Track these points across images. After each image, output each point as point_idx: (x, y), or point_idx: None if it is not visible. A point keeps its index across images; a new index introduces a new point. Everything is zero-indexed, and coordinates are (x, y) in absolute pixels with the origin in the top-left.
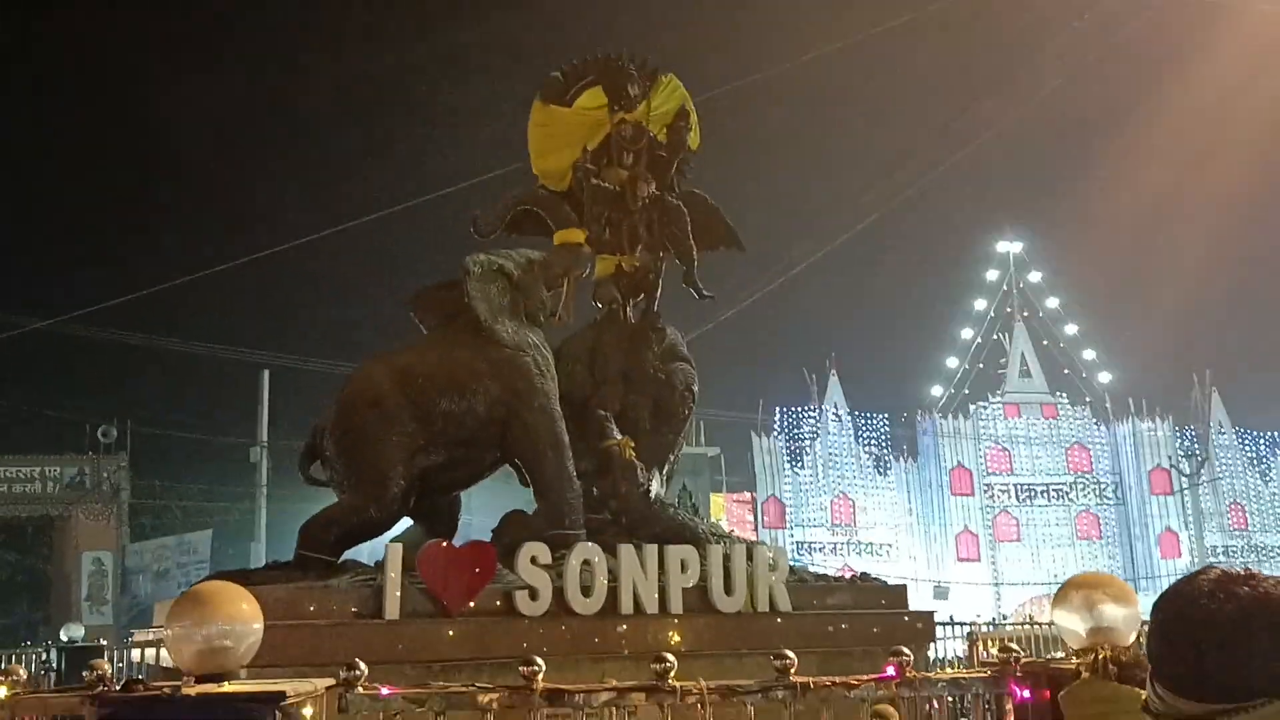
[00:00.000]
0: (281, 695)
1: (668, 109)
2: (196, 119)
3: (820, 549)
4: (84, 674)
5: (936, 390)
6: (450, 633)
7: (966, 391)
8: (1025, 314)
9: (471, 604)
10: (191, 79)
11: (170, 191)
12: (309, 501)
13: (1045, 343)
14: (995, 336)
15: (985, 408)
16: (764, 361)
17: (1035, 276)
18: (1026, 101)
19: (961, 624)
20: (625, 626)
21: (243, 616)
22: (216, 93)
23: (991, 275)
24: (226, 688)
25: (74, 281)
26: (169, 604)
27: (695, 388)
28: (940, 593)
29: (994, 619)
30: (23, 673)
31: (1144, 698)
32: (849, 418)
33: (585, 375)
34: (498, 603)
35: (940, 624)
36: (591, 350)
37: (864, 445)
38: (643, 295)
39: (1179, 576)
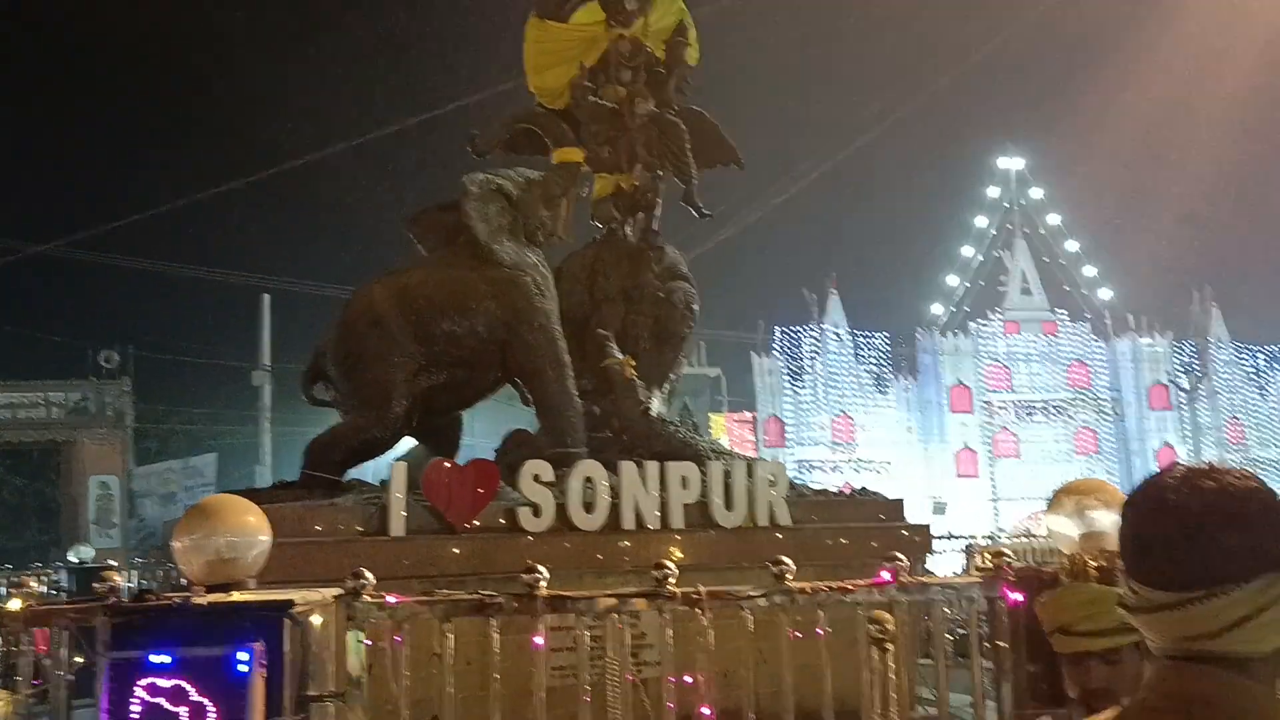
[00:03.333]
0: (290, 603)
1: (666, 24)
2: (193, 37)
3: (820, 467)
4: (95, 586)
5: (937, 308)
6: (455, 549)
7: (967, 309)
8: (1026, 231)
9: (475, 521)
10: None
11: (172, 113)
12: (312, 424)
13: (1046, 259)
14: (996, 254)
15: (985, 325)
16: (764, 281)
17: (1036, 193)
18: (1027, 14)
19: (959, 538)
20: (627, 542)
21: (250, 528)
22: (216, 10)
23: (993, 192)
24: (236, 596)
25: (74, 205)
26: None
27: (695, 306)
28: (939, 509)
29: (991, 533)
30: (35, 585)
31: (1120, 594)
32: (849, 336)
33: (585, 294)
34: (501, 520)
35: (938, 538)
36: (591, 269)
37: (864, 364)
38: (642, 214)
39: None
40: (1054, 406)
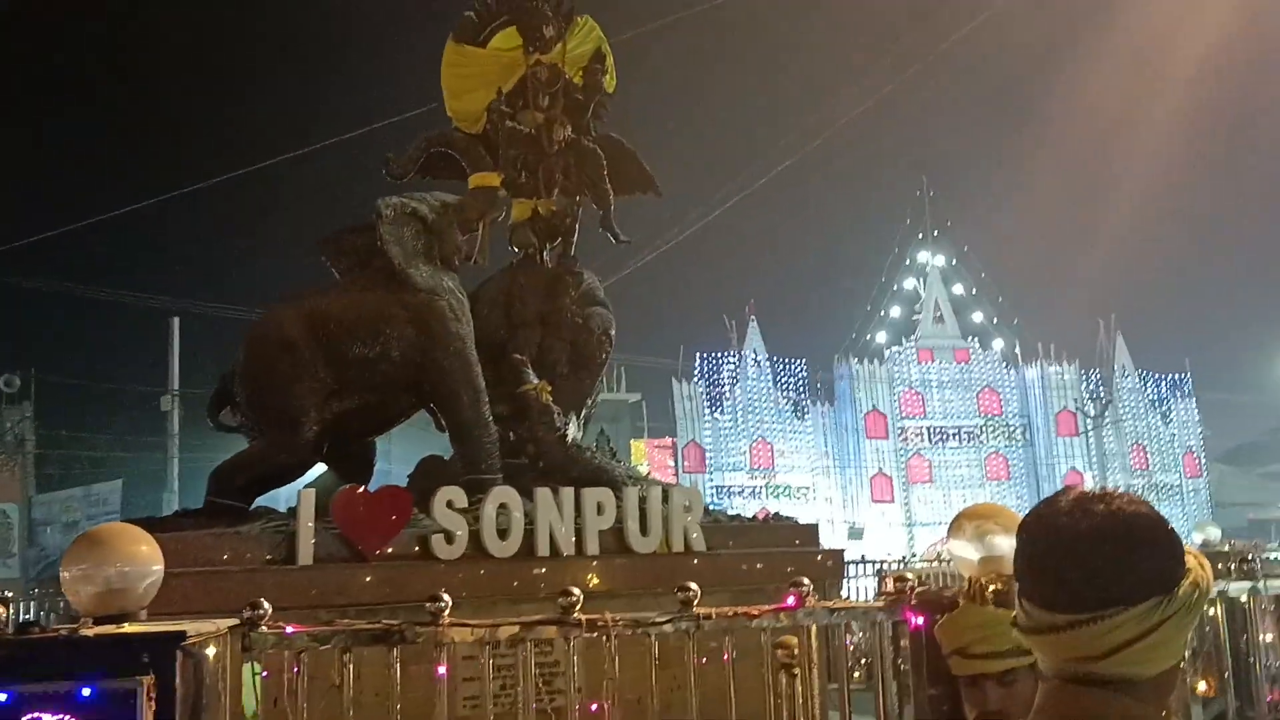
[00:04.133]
0: (182, 635)
1: (583, 51)
2: (102, 49)
3: (739, 492)
4: None
5: (852, 335)
6: (366, 578)
7: (882, 337)
8: (939, 261)
9: (387, 549)
10: (95, 6)
11: (74, 128)
12: (222, 450)
13: (958, 289)
14: (909, 283)
15: (899, 353)
16: (684, 307)
17: (949, 224)
18: (939, 46)
19: (873, 562)
20: (542, 569)
21: (141, 557)
22: (122, 25)
23: (908, 221)
24: (126, 628)
25: None
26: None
27: (612, 332)
28: (855, 533)
29: (905, 558)
30: None
31: (1014, 615)
32: (767, 363)
33: (501, 319)
34: (415, 548)
35: (853, 562)
36: (508, 294)
37: (782, 390)
38: (559, 239)
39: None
40: (966, 433)
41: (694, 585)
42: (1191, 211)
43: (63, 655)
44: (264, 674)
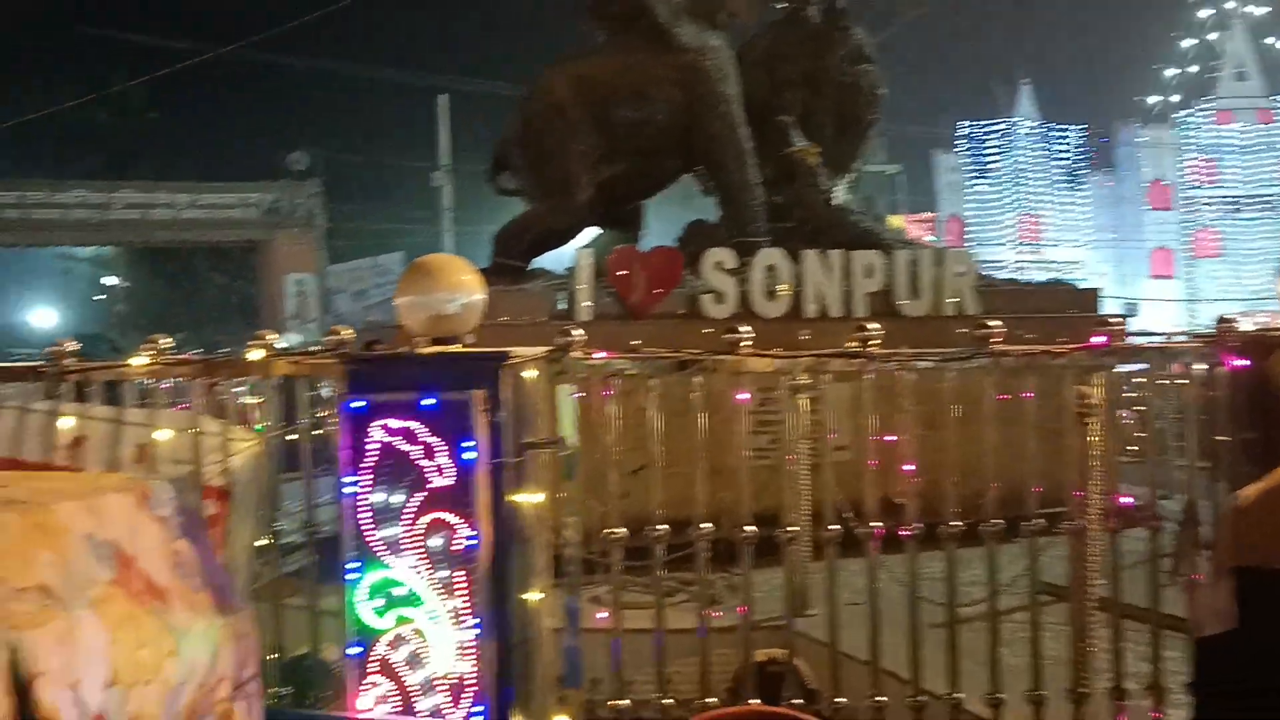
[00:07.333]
0: (505, 354)
1: None
2: None
3: (1004, 268)
4: (322, 340)
5: (1138, 98)
6: (639, 336)
7: (1174, 99)
8: (1246, 9)
9: (658, 307)
10: None
11: None
12: (491, 222)
13: (1268, 40)
14: (1209, 37)
15: (1192, 114)
16: (949, 72)
17: None
18: None
19: (1156, 334)
20: (809, 331)
21: (467, 285)
22: None
23: None
24: (456, 349)
25: (249, 6)
26: None
27: (881, 91)
28: (1130, 312)
29: (1189, 331)
30: (273, 337)
31: None
32: (1040, 130)
33: (766, 79)
34: (684, 308)
35: (1134, 334)
36: (771, 53)
37: (1056, 159)
38: None
39: None
40: (1265, 200)
41: (995, 321)
42: None
43: (406, 370)
44: (576, 394)
